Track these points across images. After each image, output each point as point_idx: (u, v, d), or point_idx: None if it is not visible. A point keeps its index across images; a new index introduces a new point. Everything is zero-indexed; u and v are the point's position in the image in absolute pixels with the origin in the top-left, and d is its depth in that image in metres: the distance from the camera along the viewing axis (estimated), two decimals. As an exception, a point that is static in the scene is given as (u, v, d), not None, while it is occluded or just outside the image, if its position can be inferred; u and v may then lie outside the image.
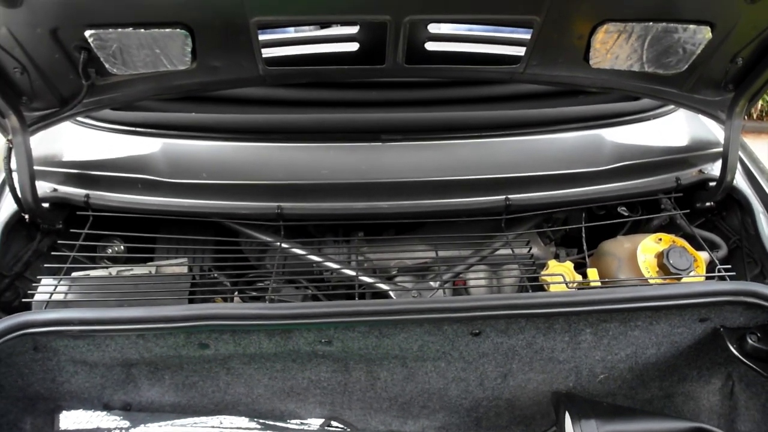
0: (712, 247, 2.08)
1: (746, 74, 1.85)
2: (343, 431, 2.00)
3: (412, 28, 1.63)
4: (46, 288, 1.83)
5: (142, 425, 1.89)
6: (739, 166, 2.15)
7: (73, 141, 2.17)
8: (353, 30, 1.71)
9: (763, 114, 7.17)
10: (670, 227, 2.24)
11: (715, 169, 2.22)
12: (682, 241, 1.99)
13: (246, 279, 2.19)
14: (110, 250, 2.15)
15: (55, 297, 1.81)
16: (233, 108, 2.25)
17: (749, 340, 1.77)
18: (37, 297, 1.81)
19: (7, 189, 1.91)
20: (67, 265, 1.89)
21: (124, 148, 2.13)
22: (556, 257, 2.25)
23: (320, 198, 2.09)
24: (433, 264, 2.13)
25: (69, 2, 1.51)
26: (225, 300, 2.07)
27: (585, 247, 2.13)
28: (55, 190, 2.07)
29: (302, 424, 2.00)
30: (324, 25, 2.35)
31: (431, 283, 2.10)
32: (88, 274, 1.94)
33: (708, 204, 2.18)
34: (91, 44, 1.59)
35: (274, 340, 1.76)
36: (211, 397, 1.96)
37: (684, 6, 1.62)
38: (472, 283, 2.14)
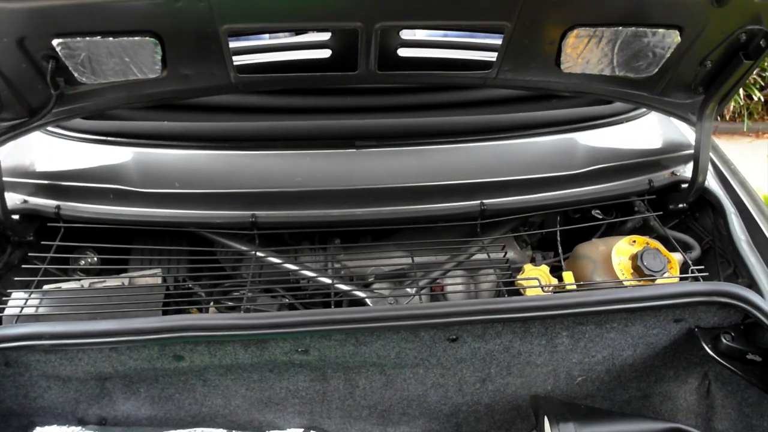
0: (686, 248, 2.10)
1: (715, 77, 1.88)
2: (322, 440, 1.99)
3: (383, 34, 1.63)
4: (17, 302, 1.81)
5: (118, 440, 1.87)
6: (710, 167, 2.18)
7: (44, 151, 2.14)
8: (325, 37, 1.70)
9: (736, 115, 7.27)
10: (643, 229, 2.26)
11: (687, 171, 2.24)
12: (655, 243, 2.01)
13: (221, 289, 2.17)
14: (83, 262, 2.12)
15: (26, 311, 1.79)
16: (205, 116, 2.23)
17: (723, 340, 1.78)
18: (8, 311, 1.79)
19: (-24, 202, 1.88)
20: (39, 278, 1.87)
21: (95, 158, 2.10)
22: (532, 261, 2.26)
23: (295, 206, 2.07)
24: (410, 270, 2.13)
25: (36, 11, 1.48)
26: (200, 311, 2.04)
27: (560, 250, 2.14)
28: (25, 201, 2.04)
29: (281, 434, 1.99)
30: (297, 32, 2.36)
31: (407, 289, 2.09)
32: (60, 287, 1.91)
33: (681, 205, 2.20)
34: (59, 53, 1.57)
35: (249, 350, 1.74)
36: (188, 409, 1.93)
37: (653, 10, 1.64)
38: (448, 288, 2.14)
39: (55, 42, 1.55)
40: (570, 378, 1.98)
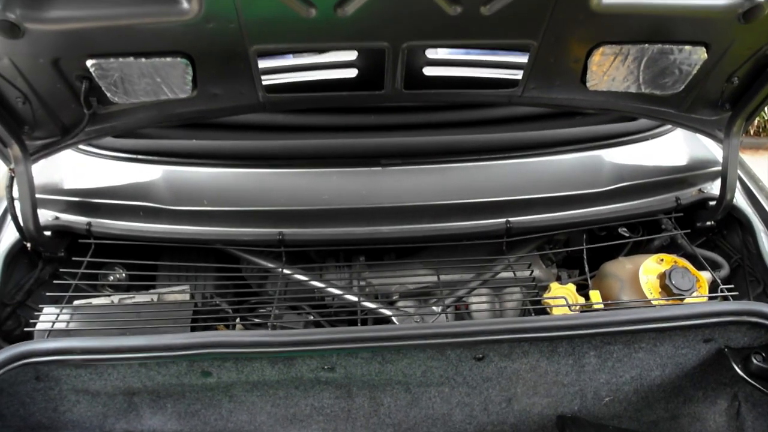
0: (714, 266, 2.08)
1: (742, 93, 1.87)
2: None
3: (410, 53, 1.65)
4: (48, 317, 1.83)
5: (144, 454, 1.88)
6: (738, 184, 2.16)
7: (75, 169, 2.18)
8: (352, 56, 1.72)
9: (760, 130, 7.20)
10: (671, 247, 2.24)
11: (714, 188, 2.22)
12: (683, 262, 1.99)
13: (248, 306, 2.18)
14: (112, 278, 2.15)
15: (57, 326, 1.81)
16: (234, 134, 2.26)
17: (754, 360, 1.76)
18: (39, 326, 1.81)
19: (9, 217, 1.92)
20: (69, 294, 1.90)
21: (125, 176, 2.14)
22: (558, 279, 2.25)
23: (321, 223, 2.09)
24: (435, 288, 2.13)
25: (71, 33, 1.52)
26: (227, 327, 2.06)
27: (587, 268, 2.12)
28: (56, 218, 2.08)
29: (305, 450, 1.99)
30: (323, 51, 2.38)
31: (433, 307, 2.09)
32: (90, 303, 1.94)
33: (708, 223, 2.19)
34: (93, 74, 1.61)
35: (276, 367, 1.75)
36: (214, 425, 1.94)
37: (679, 27, 1.64)
38: (474, 306, 2.14)
39: (89, 63, 1.58)
40: (597, 398, 1.96)
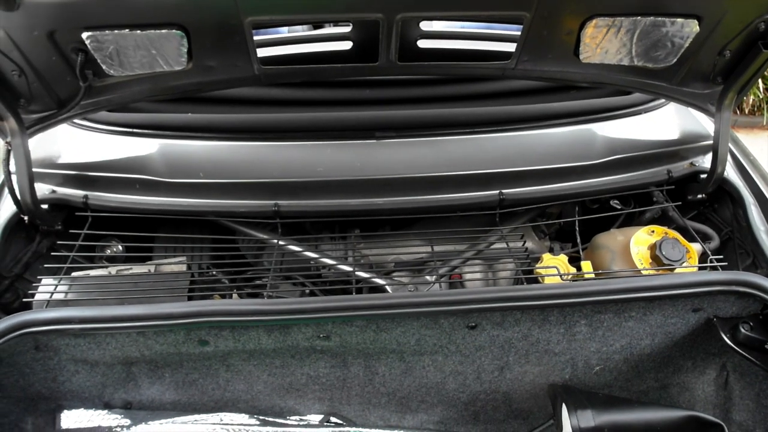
0: (705, 238, 2.10)
1: (734, 67, 1.87)
2: (342, 427, 2.02)
3: (404, 25, 1.65)
4: (46, 288, 1.85)
5: (143, 423, 1.90)
6: (729, 158, 2.18)
7: (71, 143, 2.19)
8: (346, 29, 1.73)
9: (755, 109, 7.19)
10: (662, 220, 2.26)
11: (706, 161, 2.24)
12: (674, 233, 2.01)
13: (244, 276, 2.20)
14: (109, 251, 2.17)
15: (56, 297, 1.83)
16: (229, 108, 2.27)
17: (742, 330, 1.78)
18: (38, 297, 1.83)
19: (7, 191, 1.94)
20: (67, 265, 1.91)
21: (121, 149, 2.15)
22: (551, 251, 2.27)
23: (316, 195, 2.11)
24: (429, 259, 2.15)
25: (66, 5, 1.52)
26: (223, 297, 2.08)
27: (579, 240, 2.15)
28: (53, 191, 2.09)
29: (301, 420, 2.02)
30: (318, 25, 2.38)
31: (427, 277, 2.12)
32: (88, 274, 1.96)
33: (699, 196, 2.20)
34: (88, 46, 1.61)
35: (273, 335, 1.78)
36: (211, 394, 1.97)
37: (671, 0, 1.65)
38: (467, 276, 2.16)
39: (84, 35, 1.58)
40: (588, 367, 1.99)
